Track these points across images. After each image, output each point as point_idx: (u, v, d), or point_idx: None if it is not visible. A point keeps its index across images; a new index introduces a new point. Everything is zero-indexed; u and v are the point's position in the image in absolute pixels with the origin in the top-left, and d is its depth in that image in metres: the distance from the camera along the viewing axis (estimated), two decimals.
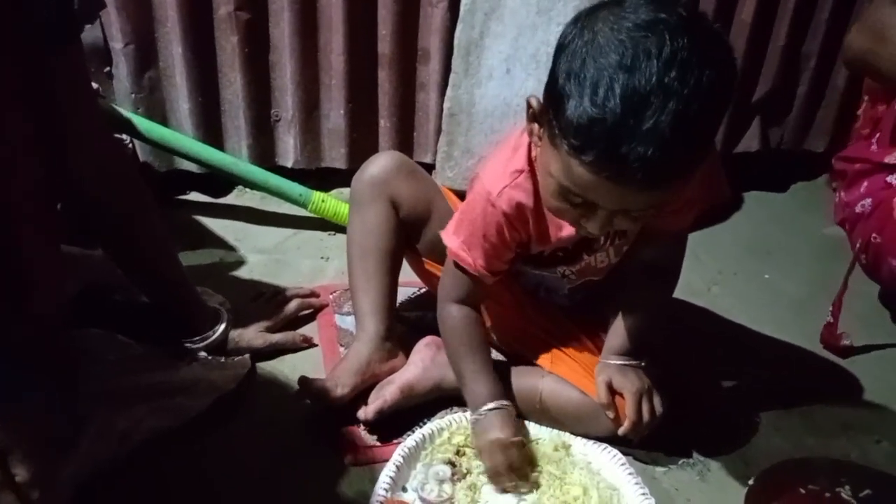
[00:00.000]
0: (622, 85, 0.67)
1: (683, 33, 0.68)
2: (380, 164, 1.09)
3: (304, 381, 1.00)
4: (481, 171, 0.94)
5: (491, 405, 0.96)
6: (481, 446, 0.95)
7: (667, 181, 0.72)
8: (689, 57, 0.67)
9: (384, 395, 1.02)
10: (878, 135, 1.25)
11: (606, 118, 0.68)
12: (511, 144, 0.91)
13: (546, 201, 0.85)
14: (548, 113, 0.76)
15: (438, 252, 1.05)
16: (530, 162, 0.88)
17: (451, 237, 0.96)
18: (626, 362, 0.99)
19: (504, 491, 0.94)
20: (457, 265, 0.97)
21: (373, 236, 1.09)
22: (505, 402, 0.97)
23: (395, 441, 1.00)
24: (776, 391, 1.18)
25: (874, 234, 1.27)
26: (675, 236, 1.01)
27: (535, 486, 0.95)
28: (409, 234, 1.11)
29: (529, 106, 0.80)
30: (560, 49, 0.74)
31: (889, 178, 1.21)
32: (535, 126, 0.81)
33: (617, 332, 1.01)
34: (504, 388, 1.01)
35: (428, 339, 1.11)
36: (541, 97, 0.78)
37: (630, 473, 0.95)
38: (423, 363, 1.07)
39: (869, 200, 1.36)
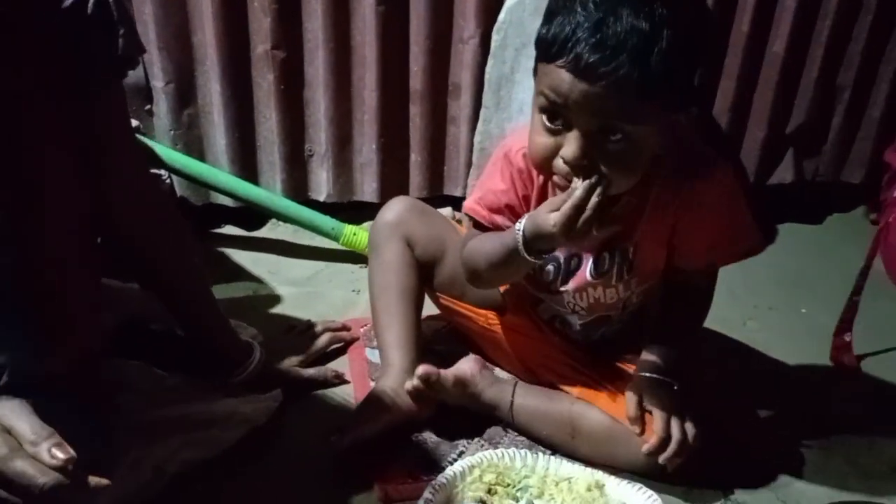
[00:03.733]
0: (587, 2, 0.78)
1: None
2: (394, 209, 1.14)
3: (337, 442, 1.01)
4: (508, 136, 1.00)
5: None
6: None
7: (620, 83, 0.76)
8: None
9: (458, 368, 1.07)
10: None
11: (572, 20, 0.78)
12: None
13: (532, 147, 0.87)
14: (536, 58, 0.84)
15: (456, 287, 1.10)
16: None
17: (469, 198, 1.03)
18: (658, 377, 0.99)
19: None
20: (474, 224, 1.02)
21: (390, 273, 1.12)
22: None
23: (426, 478, 0.99)
24: (819, 429, 1.15)
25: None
26: (699, 276, 1.03)
27: None
28: (426, 272, 1.14)
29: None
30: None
31: None
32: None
33: (650, 350, 1.03)
34: (532, 412, 1.05)
35: (471, 356, 1.13)
36: None
37: None
38: (470, 370, 1.08)
39: None
